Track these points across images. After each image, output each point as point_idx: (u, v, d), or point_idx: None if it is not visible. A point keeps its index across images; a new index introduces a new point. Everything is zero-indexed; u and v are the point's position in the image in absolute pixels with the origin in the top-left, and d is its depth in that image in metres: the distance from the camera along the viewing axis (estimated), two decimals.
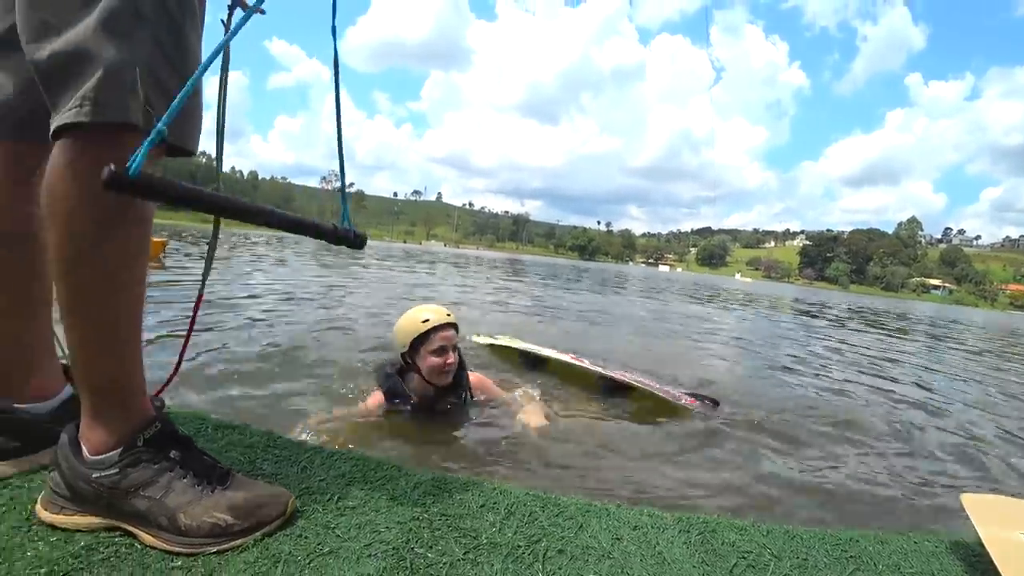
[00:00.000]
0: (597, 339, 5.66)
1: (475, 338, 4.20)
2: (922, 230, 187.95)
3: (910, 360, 6.71)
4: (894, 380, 4.96)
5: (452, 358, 2.14)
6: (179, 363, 1.18)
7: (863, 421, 3.24)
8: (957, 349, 9.13)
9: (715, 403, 3.07)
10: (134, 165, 0.69)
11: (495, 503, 1.12)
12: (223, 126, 1.08)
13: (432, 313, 2.15)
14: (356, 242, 1.03)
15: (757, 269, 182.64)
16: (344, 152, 1.07)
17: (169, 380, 1.20)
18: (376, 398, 2.25)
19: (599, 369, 3.27)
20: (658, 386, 3.12)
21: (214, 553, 0.88)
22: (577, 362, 3.42)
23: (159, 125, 0.74)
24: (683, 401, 2.98)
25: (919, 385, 4.86)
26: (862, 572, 1.09)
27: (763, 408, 3.26)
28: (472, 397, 2.35)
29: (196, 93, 0.92)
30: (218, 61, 0.85)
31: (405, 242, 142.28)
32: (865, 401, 3.86)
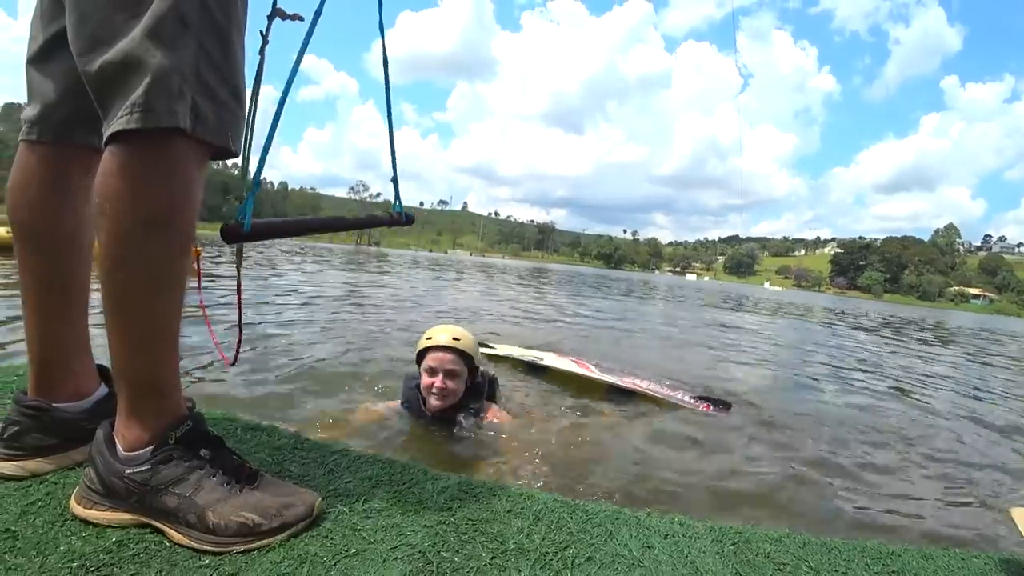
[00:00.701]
0: (623, 347, 5.60)
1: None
2: (960, 237, 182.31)
3: (951, 370, 6.48)
4: (934, 390, 4.79)
5: (440, 382, 2.05)
6: (239, 336, 1.23)
7: (902, 432, 3.14)
8: (1000, 360, 8.78)
9: (727, 406, 3.01)
10: (247, 218, 0.93)
11: (522, 508, 1.10)
12: (251, 138, 1.10)
13: (442, 333, 2.11)
14: (407, 222, 1.25)
15: (787, 278, 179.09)
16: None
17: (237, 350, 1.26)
18: (394, 404, 2.28)
19: (605, 378, 3.23)
20: (667, 391, 3.07)
21: (241, 552, 0.88)
22: (581, 369, 3.39)
23: (256, 176, 0.97)
24: (699, 407, 2.93)
25: (961, 395, 4.69)
26: None
27: (795, 417, 3.18)
28: (480, 428, 2.18)
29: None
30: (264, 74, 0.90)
31: (431, 251, 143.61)
32: (903, 411, 3.74)
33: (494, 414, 2.23)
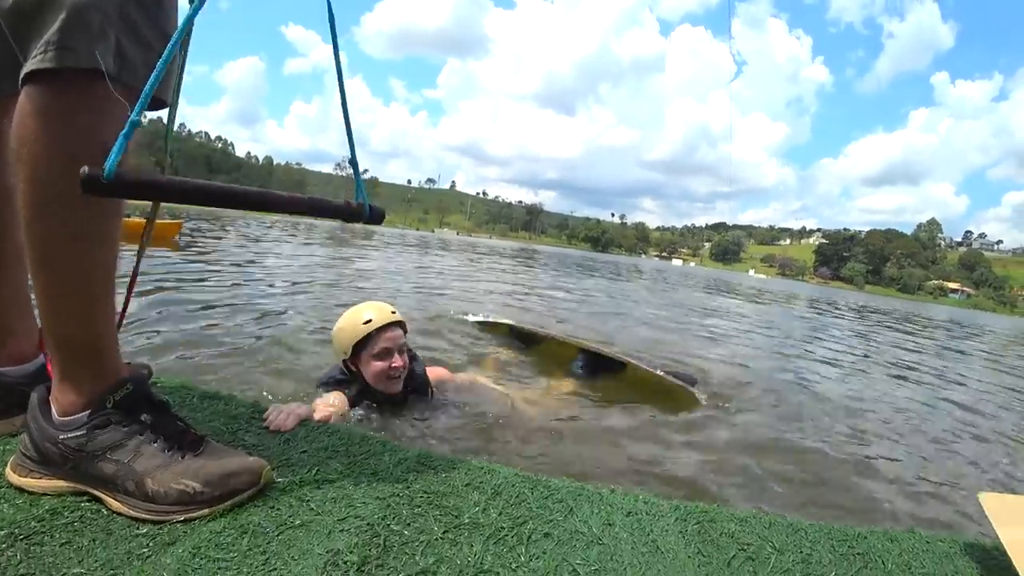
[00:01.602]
0: (608, 327, 5.60)
1: (469, 317, 4.46)
2: (942, 232, 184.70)
3: (926, 359, 6.58)
4: (908, 378, 4.86)
5: (399, 361, 1.89)
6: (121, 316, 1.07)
7: (874, 416, 3.17)
8: (972, 351, 8.94)
9: (692, 381, 3.10)
10: (109, 165, 0.66)
11: (481, 483, 1.07)
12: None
13: (374, 312, 1.90)
14: (373, 217, 0.95)
15: (771, 266, 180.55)
16: (357, 136, 0.99)
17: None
18: (337, 394, 1.91)
19: (587, 343, 3.35)
20: (642, 364, 3.14)
21: (181, 521, 0.84)
22: (564, 337, 3.55)
23: (132, 116, 0.71)
24: (667, 378, 2.99)
25: (934, 383, 4.75)
26: (870, 570, 1.02)
27: (767, 399, 3.20)
28: (434, 394, 2.14)
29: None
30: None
31: (418, 229, 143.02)
32: (877, 396, 3.78)
33: (436, 373, 2.19)
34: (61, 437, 0.86)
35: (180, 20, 0.88)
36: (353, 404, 1.90)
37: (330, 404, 1.78)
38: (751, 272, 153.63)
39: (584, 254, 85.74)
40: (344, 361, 1.95)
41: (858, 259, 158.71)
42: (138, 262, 1.08)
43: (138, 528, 0.83)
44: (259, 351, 2.83)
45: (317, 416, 1.35)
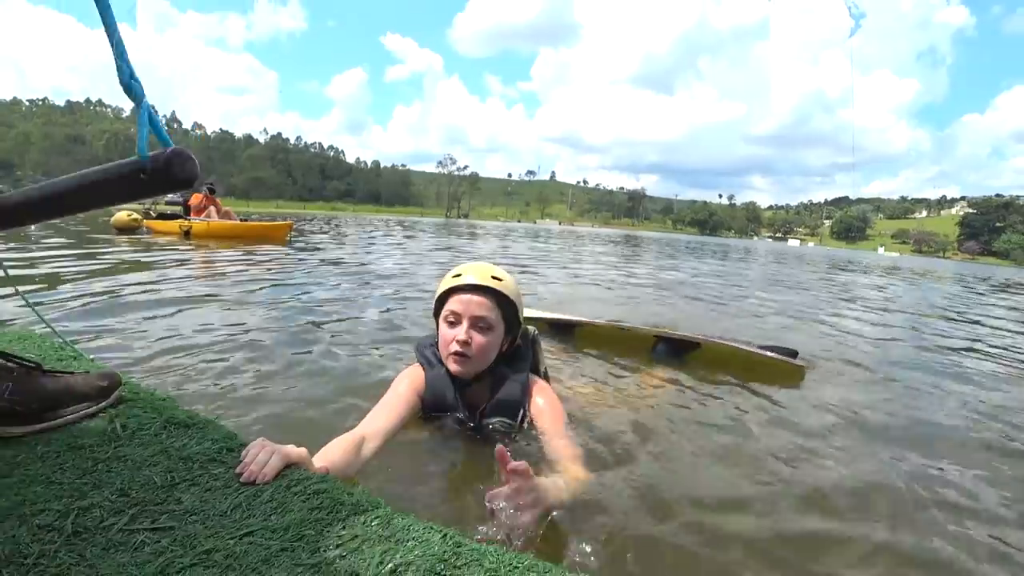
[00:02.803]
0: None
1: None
2: None
3: None
4: None
5: (465, 335, 1.42)
6: None
7: None
8: None
9: (793, 353, 2.69)
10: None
11: None
12: None
13: (474, 271, 1.49)
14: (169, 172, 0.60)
15: (904, 242, 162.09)
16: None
17: None
18: (414, 374, 1.54)
19: (651, 330, 3.00)
20: (726, 341, 2.81)
21: None
22: (628, 324, 3.20)
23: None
24: (762, 354, 2.63)
25: None
26: None
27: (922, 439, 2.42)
28: (526, 419, 1.51)
29: None
30: None
31: (520, 220, 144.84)
32: None
33: (547, 400, 1.52)
34: None
35: None
36: (428, 387, 1.50)
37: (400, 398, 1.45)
38: (880, 250, 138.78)
39: (691, 238, 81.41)
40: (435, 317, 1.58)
41: (1016, 229, 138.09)
42: None
43: None
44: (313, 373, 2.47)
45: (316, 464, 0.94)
